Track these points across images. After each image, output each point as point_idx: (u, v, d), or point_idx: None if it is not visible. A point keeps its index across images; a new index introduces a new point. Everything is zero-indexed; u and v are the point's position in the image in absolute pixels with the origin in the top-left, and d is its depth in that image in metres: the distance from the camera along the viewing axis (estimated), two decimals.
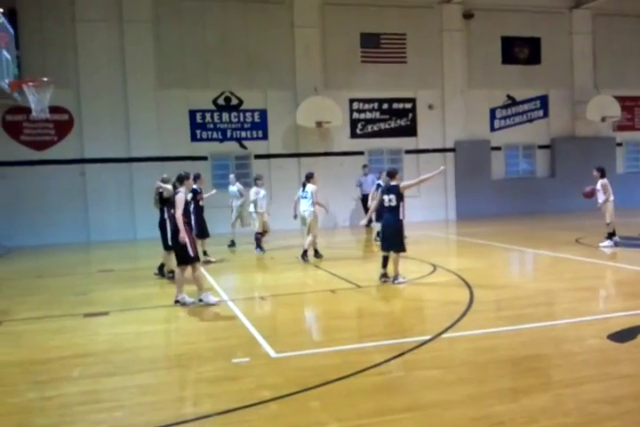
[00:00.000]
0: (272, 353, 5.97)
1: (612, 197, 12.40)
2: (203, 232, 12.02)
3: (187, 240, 8.08)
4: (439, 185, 20.04)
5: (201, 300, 8.25)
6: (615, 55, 21.68)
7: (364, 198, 17.83)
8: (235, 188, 14.61)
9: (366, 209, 18.03)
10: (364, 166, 18.47)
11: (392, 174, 9.51)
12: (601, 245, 12.35)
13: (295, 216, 12.21)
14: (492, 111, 20.91)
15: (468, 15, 20.16)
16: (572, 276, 9.56)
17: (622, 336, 6.09)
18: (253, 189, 13.24)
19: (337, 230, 17.98)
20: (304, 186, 12.01)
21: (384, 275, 9.37)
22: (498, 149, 20.87)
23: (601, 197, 12.43)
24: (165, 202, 9.69)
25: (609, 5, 21.04)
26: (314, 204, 11.81)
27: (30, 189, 16.64)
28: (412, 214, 19.33)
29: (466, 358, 5.79)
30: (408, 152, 20.04)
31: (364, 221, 10.88)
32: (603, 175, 12.56)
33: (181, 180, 8.40)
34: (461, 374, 5.27)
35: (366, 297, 8.79)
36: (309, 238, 11.88)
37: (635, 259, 11.21)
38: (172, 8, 17.65)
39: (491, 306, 7.84)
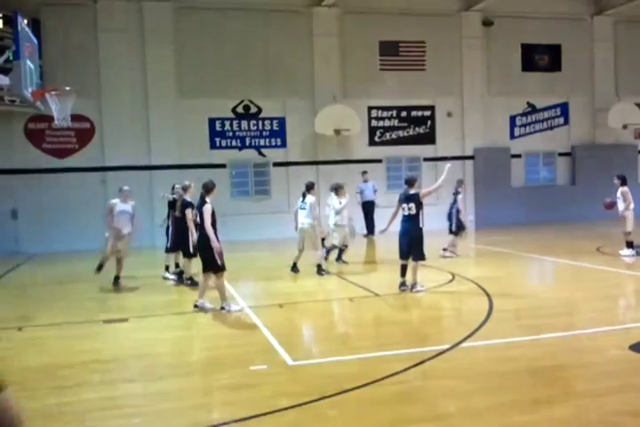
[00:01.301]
0: (289, 361, 5.97)
1: (632, 206, 12.25)
2: (177, 246, 10.81)
3: (218, 250, 8.10)
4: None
5: (223, 308, 8.28)
6: (636, 62, 21.45)
7: (364, 205, 17.79)
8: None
9: (367, 216, 18.02)
10: (364, 173, 18.07)
11: (411, 182, 9.46)
12: (621, 253, 12.19)
13: (296, 228, 11.40)
14: (512, 119, 20.78)
15: (487, 23, 20.11)
16: (592, 285, 9.45)
17: None
18: (335, 200, 12.28)
19: (356, 238, 17.92)
20: (304, 196, 11.36)
21: (403, 284, 9.33)
22: (518, 156, 20.73)
23: (621, 206, 12.28)
24: (173, 207, 10.18)
25: (630, 12, 20.84)
26: (314, 217, 11.21)
27: (52, 196, 16.85)
28: (431, 222, 19.24)
29: (485, 367, 5.74)
30: (427, 160, 20.00)
31: (381, 230, 9.98)
32: (624, 183, 12.42)
33: (208, 189, 8.44)
34: (481, 384, 5.23)
35: (384, 305, 8.77)
36: (318, 253, 11.41)
37: None
38: (192, 18, 17.86)
39: (510, 315, 7.77)
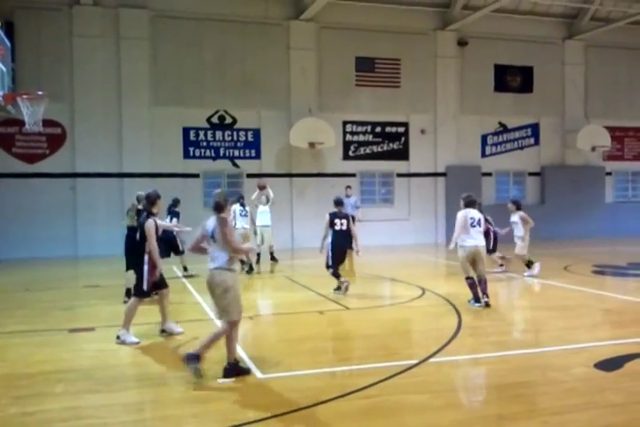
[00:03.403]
0: (258, 374, 5.92)
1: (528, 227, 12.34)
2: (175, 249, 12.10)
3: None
4: (429, 209, 20.16)
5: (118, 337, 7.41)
6: (606, 86, 22.07)
7: None
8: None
9: None
10: (348, 187, 17.66)
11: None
12: (526, 274, 12.28)
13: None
14: (484, 137, 21.14)
15: (462, 42, 20.48)
16: (560, 303, 9.58)
17: (609, 365, 6.09)
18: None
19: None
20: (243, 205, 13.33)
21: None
22: (489, 174, 21.06)
23: (520, 230, 12.24)
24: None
25: (601, 37, 21.48)
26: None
27: (21, 201, 16.57)
28: (402, 237, 19.48)
29: (453, 383, 5.77)
30: (400, 175, 20.17)
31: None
32: (519, 208, 12.40)
33: (151, 200, 7.48)
34: (448, 400, 5.24)
35: (354, 319, 8.76)
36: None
37: (622, 288, 11.27)
38: (169, 27, 17.83)
39: (478, 331, 7.83)
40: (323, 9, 18.18)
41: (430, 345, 6.88)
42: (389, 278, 12.47)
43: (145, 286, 7.28)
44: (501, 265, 13.01)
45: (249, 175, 18.66)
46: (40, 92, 10.85)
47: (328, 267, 10.39)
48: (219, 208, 5.89)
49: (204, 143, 18.41)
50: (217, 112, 18.49)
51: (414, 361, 6.25)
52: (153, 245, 7.21)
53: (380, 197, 20.23)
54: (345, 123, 19.65)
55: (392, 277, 12.61)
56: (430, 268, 15.09)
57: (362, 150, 19.88)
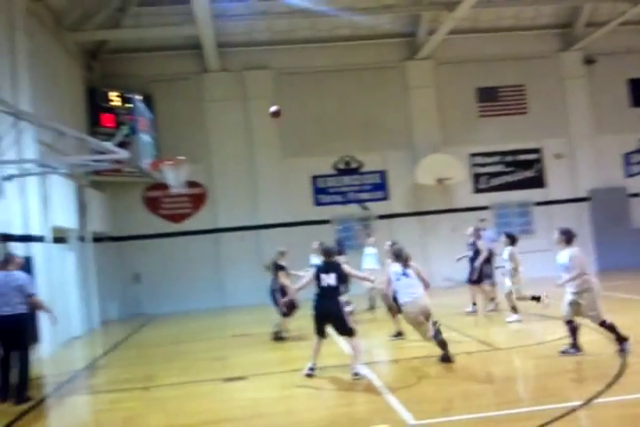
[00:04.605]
0: (411, 420, 5.74)
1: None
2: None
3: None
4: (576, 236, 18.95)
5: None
6: None
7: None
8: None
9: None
10: (482, 220, 16.92)
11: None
12: (509, 320, 10.96)
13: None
14: (627, 156, 19.75)
15: (590, 61, 19.59)
16: None
17: None
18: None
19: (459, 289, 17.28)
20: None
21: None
22: (636, 195, 19.56)
23: (508, 265, 10.87)
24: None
25: None
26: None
27: (170, 259, 17.73)
28: (547, 268, 18.35)
29: (622, 426, 5.24)
30: (538, 204, 19.31)
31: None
32: (512, 242, 10.95)
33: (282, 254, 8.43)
34: None
35: (505, 360, 8.31)
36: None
37: None
38: (290, 82, 18.72)
39: None
40: (438, 46, 18.25)
41: (592, 384, 6.35)
42: (536, 314, 11.78)
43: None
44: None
45: (380, 217, 18.74)
46: (180, 157, 11.67)
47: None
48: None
49: (333, 189, 18.81)
50: (342, 158, 18.90)
51: (577, 403, 5.78)
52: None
53: (518, 229, 19.36)
54: (472, 155, 19.28)
55: (539, 312, 11.92)
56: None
57: (493, 181, 19.34)
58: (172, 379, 8.55)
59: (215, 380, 8.28)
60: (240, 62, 18.56)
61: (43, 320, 11.20)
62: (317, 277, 7.86)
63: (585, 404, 5.75)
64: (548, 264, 18.20)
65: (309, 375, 7.74)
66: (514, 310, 11.03)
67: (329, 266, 7.97)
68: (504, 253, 11.05)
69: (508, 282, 11.04)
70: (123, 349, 12.10)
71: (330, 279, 7.80)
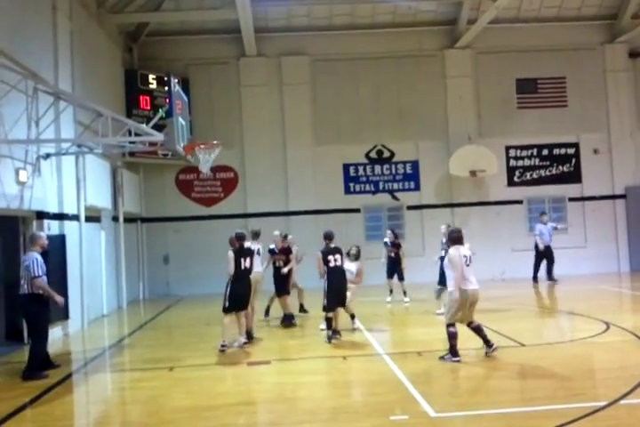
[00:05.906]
0: (431, 412, 5.74)
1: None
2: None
3: None
4: (609, 234, 18.64)
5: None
6: None
7: (545, 249, 16.41)
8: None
9: (539, 261, 16.57)
10: (543, 214, 17.03)
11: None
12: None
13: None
14: None
15: (635, 54, 19.04)
16: None
17: None
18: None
19: (493, 283, 17.16)
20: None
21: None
22: None
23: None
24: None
25: None
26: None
27: (199, 242, 17.86)
28: (578, 266, 18.10)
29: None
30: (572, 200, 18.95)
31: None
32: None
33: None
34: None
35: (531, 357, 8.21)
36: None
37: None
38: (326, 69, 18.60)
39: None
40: (478, 35, 17.92)
41: (619, 385, 6.26)
42: (567, 312, 11.63)
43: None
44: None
45: (409, 207, 18.62)
46: (215, 142, 11.75)
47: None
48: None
49: (364, 178, 18.73)
50: (375, 147, 18.78)
51: (602, 403, 5.71)
52: None
53: (552, 225, 19.04)
54: (508, 148, 18.96)
55: (569, 310, 11.76)
56: (613, 299, 13.84)
57: (528, 175, 19.01)
58: (197, 360, 8.68)
59: (239, 363, 8.38)
60: (277, 48, 18.50)
61: (73, 297, 11.47)
62: (326, 261, 9.35)
63: (609, 405, 5.67)
64: (583, 262, 18.19)
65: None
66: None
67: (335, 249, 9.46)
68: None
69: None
70: (149, 329, 12.31)
71: (337, 261, 9.34)
